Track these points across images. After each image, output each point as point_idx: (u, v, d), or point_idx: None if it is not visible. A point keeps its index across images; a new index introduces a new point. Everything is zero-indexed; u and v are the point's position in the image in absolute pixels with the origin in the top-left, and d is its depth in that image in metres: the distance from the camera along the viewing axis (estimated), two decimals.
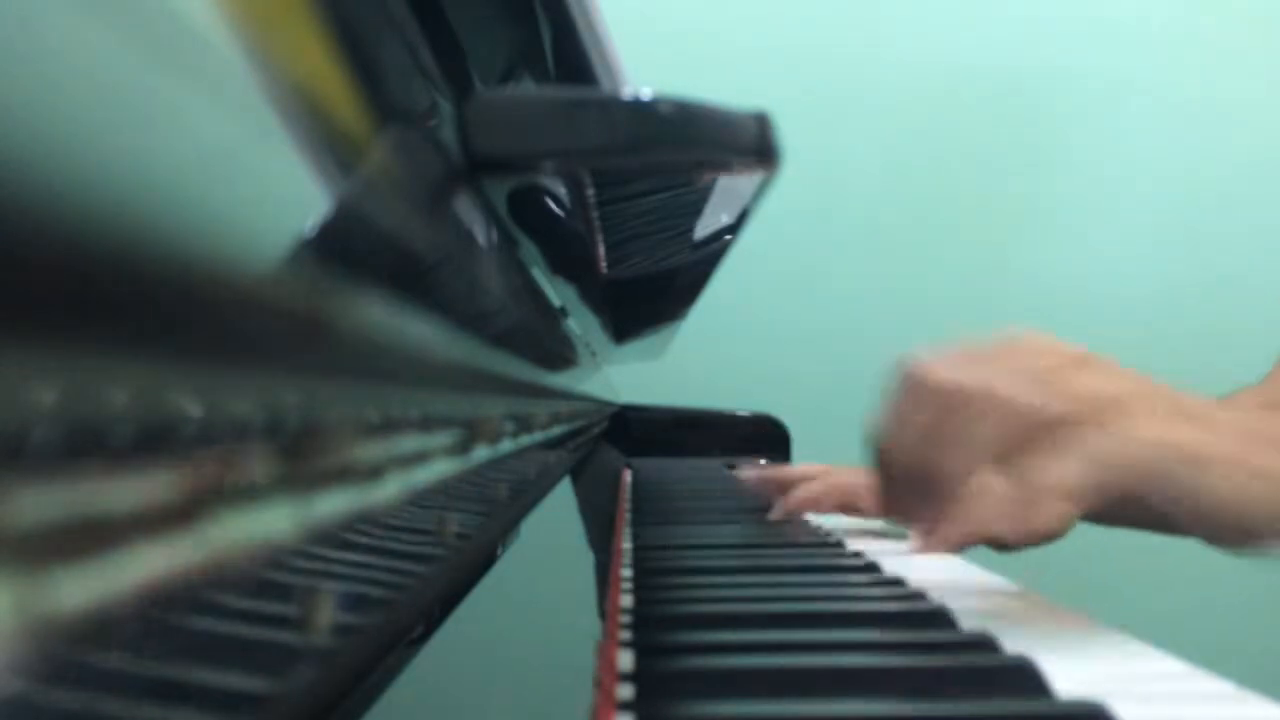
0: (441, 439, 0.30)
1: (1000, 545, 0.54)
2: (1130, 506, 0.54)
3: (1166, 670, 0.48)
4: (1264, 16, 1.84)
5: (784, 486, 0.97)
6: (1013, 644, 0.47)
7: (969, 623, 0.52)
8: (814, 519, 0.96)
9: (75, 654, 0.11)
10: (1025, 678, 0.42)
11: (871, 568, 0.68)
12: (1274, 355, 0.91)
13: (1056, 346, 0.57)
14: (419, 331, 0.26)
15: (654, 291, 0.92)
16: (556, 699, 0.37)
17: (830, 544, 0.79)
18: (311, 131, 0.20)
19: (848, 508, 0.94)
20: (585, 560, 0.64)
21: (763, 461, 1.47)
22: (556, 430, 0.69)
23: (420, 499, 0.27)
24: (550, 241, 0.59)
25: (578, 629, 0.47)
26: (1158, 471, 0.52)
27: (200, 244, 0.13)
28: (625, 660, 0.44)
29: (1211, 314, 1.81)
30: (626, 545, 0.75)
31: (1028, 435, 0.53)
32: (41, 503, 0.10)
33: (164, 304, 0.12)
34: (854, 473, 0.92)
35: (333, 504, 0.19)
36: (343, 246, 0.20)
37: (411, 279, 0.26)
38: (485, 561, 0.41)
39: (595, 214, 0.56)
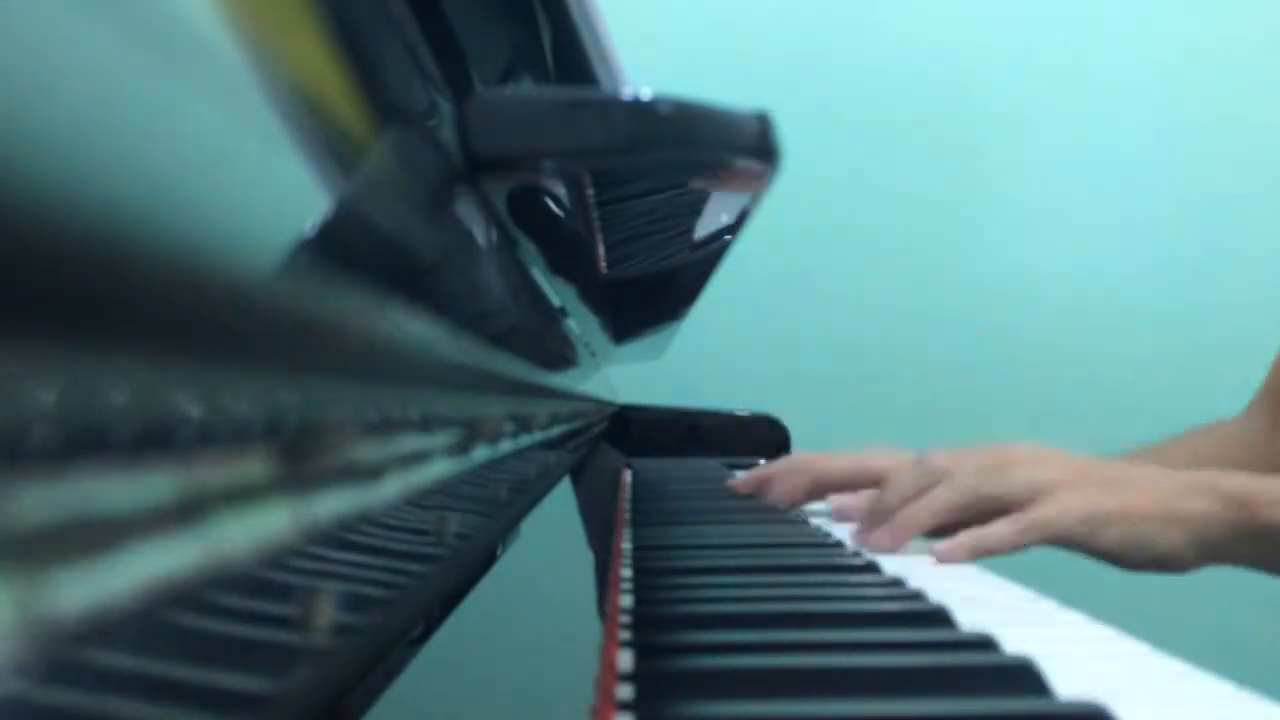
0: (441, 439, 0.30)
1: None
2: (1085, 552, 0.79)
3: (1165, 669, 0.48)
4: (1245, 15, 1.84)
5: (768, 481, 1.03)
6: (1013, 646, 0.47)
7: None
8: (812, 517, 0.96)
9: (75, 654, 0.11)
10: (1025, 677, 0.42)
11: (871, 567, 0.68)
12: (1250, 348, 1.10)
13: (1018, 448, 0.82)
14: (419, 331, 0.26)
15: (654, 291, 0.92)
16: (556, 699, 0.37)
17: (830, 544, 0.79)
18: (311, 131, 0.20)
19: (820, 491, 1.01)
20: (585, 560, 0.64)
21: (762, 462, 1.47)
22: (556, 430, 0.69)
23: (420, 499, 0.27)
24: (550, 241, 0.59)
25: (578, 629, 0.47)
26: (1081, 532, 0.77)
27: (200, 244, 0.13)
28: (625, 660, 0.44)
29: (1193, 309, 1.81)
30: (626, 545, 0.75)
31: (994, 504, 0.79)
32: (41, 503, 0.10)
33: (164, 304, 0.12)
34: (832, 458, 0.99)
35: (333, 504, 0.19)
36: (343, 246, 0.20)
37: (411, 279, 0.26)
38: (485, 561, 0.41)
39: (595, 214, 0.56)
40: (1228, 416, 1.17)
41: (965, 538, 0.76)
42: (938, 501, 0.78)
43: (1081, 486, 0.79)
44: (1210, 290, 1.81)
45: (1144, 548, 0.78)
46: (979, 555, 0.76)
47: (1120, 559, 0.79)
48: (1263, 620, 1.76)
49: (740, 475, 1.11)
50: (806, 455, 1.03)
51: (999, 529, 0.76)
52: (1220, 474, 0.84)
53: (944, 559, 0.76)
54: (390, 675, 0.25)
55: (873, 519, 0.82)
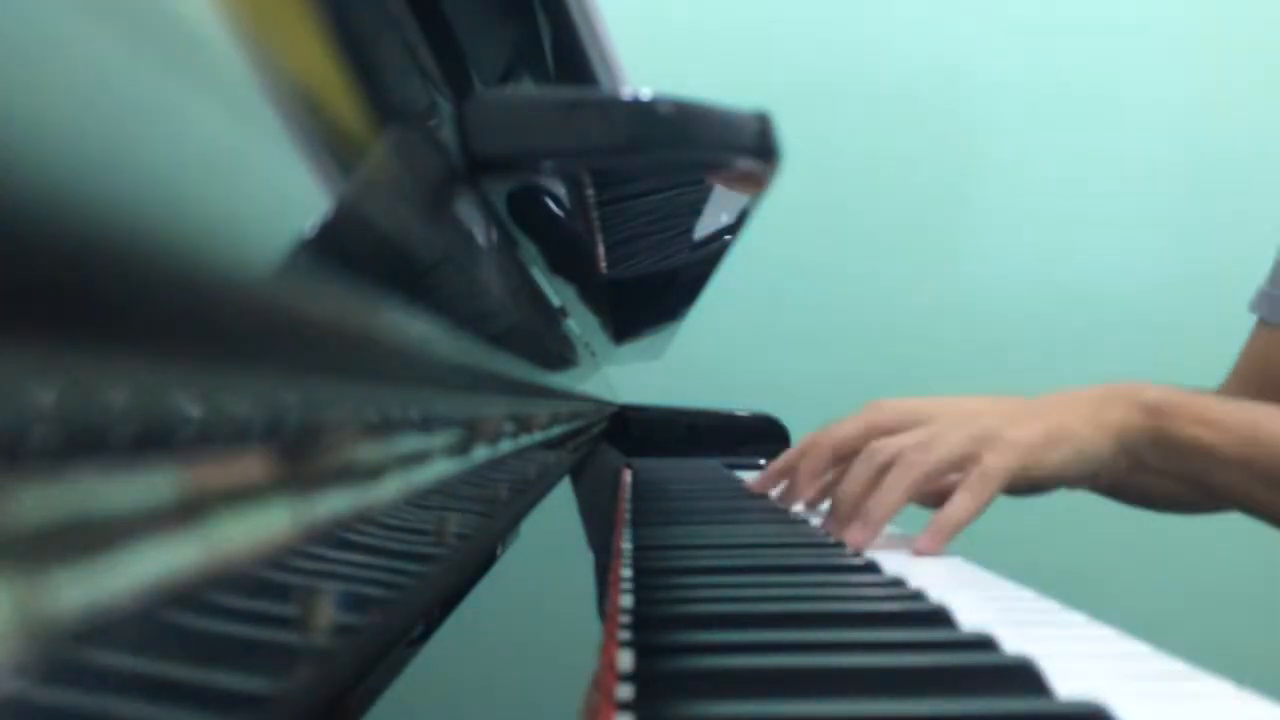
0: (441, 439, 0.30)
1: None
2: (1038, 481, 0.84)
3: (1165, 670, 0.48)
4: (1246, 15, 1.84)
5: (786, 473, 1.02)
6: (1012, 645, 0.47)
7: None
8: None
9: (75, 654, 0.11)
10: (1025, 677, 0.42)
11: (871, 567, 0.68)
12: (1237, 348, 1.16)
13: (940, 408, 0.90)
14: (419, 331, 0.26)
15: (653, 291, 0.92)
16: (556, 699, 0.37)
17: (830, 544, 0.79)
18: (311, 131, 0.20)
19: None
20: (585, 560, 0.64)
21: (762, 462, 1.47)
22: (556, 430, 0.69)
23: (420, 499, 0.27)
24: (550, 241, 0.59)
25: (578, 629, 0.47)
26: (1026, 465, 0.82)
27: (200, 244, 0.13)
28: (625, 660, 0.44)
29: (1182, 308, 1.81)
30: (626, 545, 0.75)
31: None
32: (41, 503, 0.10)
33: (164, 304, 0.12)
34: (843, 427, 0.96)
35: (333, 504, 0.19)
36: (343, 246, 0.20)
37: (411, 279, 0.26)
38: (485, 561, 0.41)
39: (595, 214, 0.56)
40: None
41: (934, 525, 0.80)
42: (898, 487, 0.82)
43: (1015, 420, 0.83)
44: (1210, 291, 1.81)
45: (1084, 462, 0.84)
46: (954, 534, 0.80)
47: (1065, 478, 0.84)
48: (1263, 620, 1.76)
49: (743, 476, 1.10)
50: (814, 434, 1.01)
51: (958, 502, 0.80)
52: (1144, 385, 0.87)
53: (923, 552, 0.79)
54: (390, 675, 0.25)
55: (836, 515, 0.85)
